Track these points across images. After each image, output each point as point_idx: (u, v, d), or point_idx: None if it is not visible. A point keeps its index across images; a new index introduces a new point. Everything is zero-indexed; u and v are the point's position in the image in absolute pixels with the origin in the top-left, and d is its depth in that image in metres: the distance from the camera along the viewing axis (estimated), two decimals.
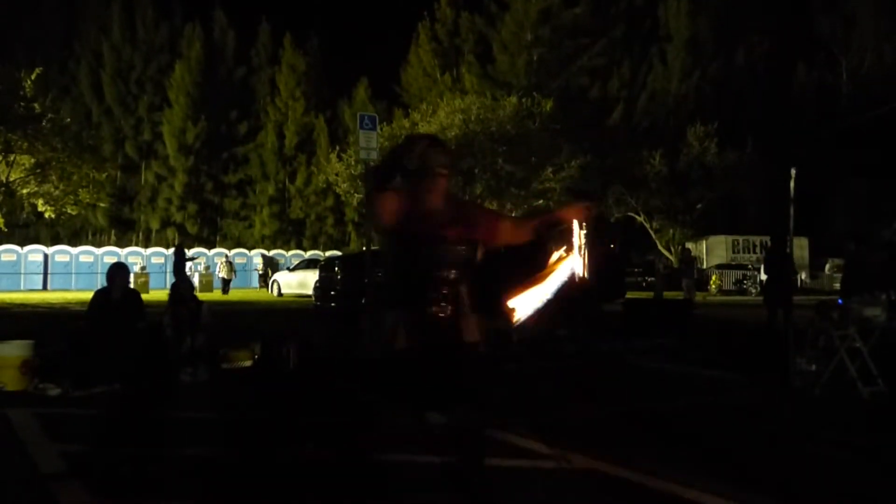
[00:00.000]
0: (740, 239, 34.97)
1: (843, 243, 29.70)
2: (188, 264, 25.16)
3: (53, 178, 24.00)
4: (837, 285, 20.98)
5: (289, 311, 17.64)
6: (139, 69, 42.12)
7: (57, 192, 24.35)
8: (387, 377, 3.27)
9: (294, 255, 36.50)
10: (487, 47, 39.72)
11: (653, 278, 26.42)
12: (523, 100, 29.64)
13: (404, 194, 3.05)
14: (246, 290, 29.81)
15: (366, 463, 3.53)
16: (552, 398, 6.44)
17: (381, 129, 26.85)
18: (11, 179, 23.33)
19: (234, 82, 43.66)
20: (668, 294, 22.31)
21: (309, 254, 36.10)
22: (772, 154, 30.96)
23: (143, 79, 42.18)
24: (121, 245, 35.76)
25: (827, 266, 31.95)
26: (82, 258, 31.83)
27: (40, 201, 24.40)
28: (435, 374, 3.15)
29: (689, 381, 7.37)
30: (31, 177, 23.41)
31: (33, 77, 23.19)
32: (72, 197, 24.84)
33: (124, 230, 41.77)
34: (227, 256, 30.39)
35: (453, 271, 3.14)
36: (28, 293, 27.09)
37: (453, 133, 27.72)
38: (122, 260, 26.61)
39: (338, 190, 31.48)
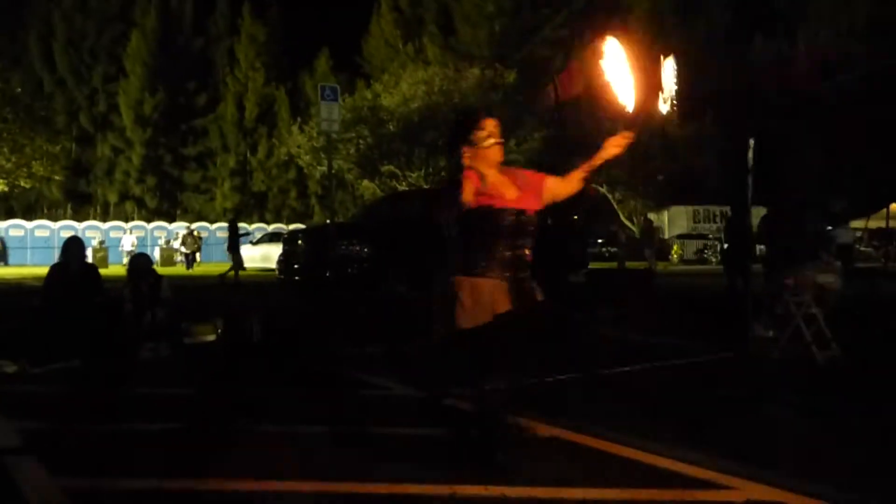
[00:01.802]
0: (701, 209, 35.51)
1: (799, 213, 30.37)
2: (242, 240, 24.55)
3: (5, 150, 23.29)
4: None
5: (252, 284, 17.48)
6: (92, 38, 40.91)
7: (9, 165, 23.66)
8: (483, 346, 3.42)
9: (257, 228, 36.12)
10: (449, 18, 39.35)
11: (615, 249, 26.74)
12: (486, 71, 29.51)
13: (474, 171, 3.31)
14: (208, 265, 29.43)
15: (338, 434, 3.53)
16: (514, 367, 6.49)
17: (343, 101, 26.52)
18: None
19: (193, 52, 42.69)
20: (630, 264, 22.60)
21: (272, 227, 35.74)
22: (731, 124, 31.33)
23: (96, 48, 40.98)
24: (78, 219, 34.98)
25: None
26: (38, 232, 31.09)
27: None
28: (524, 338, 3.50)
29: (650, 349, 7.49)
30: None
31: None
32: (25, 170, 24.17)
33: (81, 204, 40.85)
34: (190, 229, 29.82)
35: (526, 238, 3.46)
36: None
37: (416, 105, 27.54)
38: (80, 234, 26.03)
39: (300, 162, 31.13)
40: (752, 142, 7.56)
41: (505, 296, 3.42)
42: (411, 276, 10.72)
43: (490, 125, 3.45)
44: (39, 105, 27.63)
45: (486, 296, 3.38)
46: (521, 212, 3.45)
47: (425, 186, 26.25)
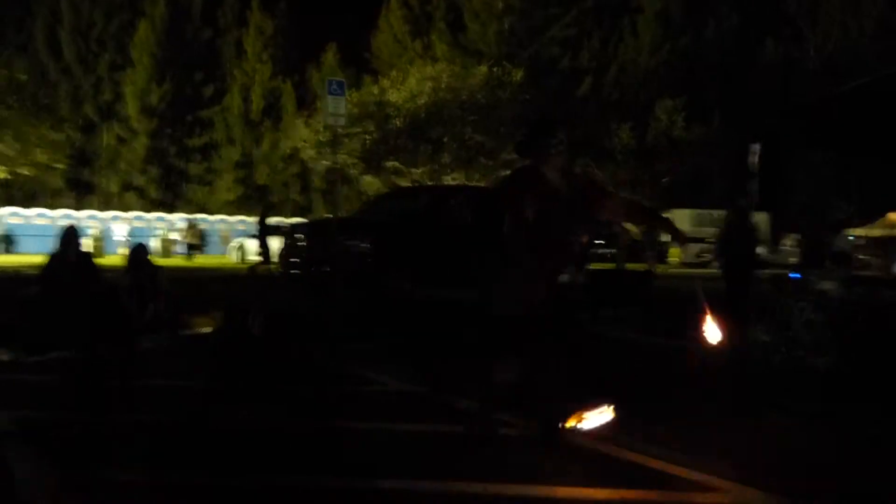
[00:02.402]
0: (705, 213, 35.38)
1: (801, 220, 30.25)
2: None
3: (8, 137, 23.27)
4: (795, 259, 21.44)
5: (251, 277, 17.44)
6: (100, 27, 40.85)
7: (12, 153, 23.64)
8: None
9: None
10: (458, 15, 39.28)
11: (615, 250, 26.67)
12: (494, 69, 29.47)
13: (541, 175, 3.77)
14: (208, 257, 29.43)
15: (331, 429, 3.53)
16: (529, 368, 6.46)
17: (350, 96, 26.50)
18: None
19: (200, 43, 42.64)
20: (630, 266, 22.53)
21: (274, 220, 35.71)
22: (738, 129, 31.27)
23: (103, 37, 40.93)
24: (78, 208, 34.95)
25: (786, 240, 32.56)
26: (37, 221, 31.04)
27: None
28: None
29: (649, 350, 7.46)
30: None
31: None
32: (28, 157, 24.16)
33: (83, 193, 40.81)
34: (191, 221, 29.70)
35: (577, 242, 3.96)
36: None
37: (423, 101, 27.51)
38: (80, 224, 26.04)
39: (304, 156, 31.12)
40: (754, 147, 7.54)
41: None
42: (413, 273, 10.69)
43: (560, 133, 3.83)
44: (44, 93, 27.60)
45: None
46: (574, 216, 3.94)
47: (430, 183, 26.21)
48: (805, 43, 39.46)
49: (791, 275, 7.40)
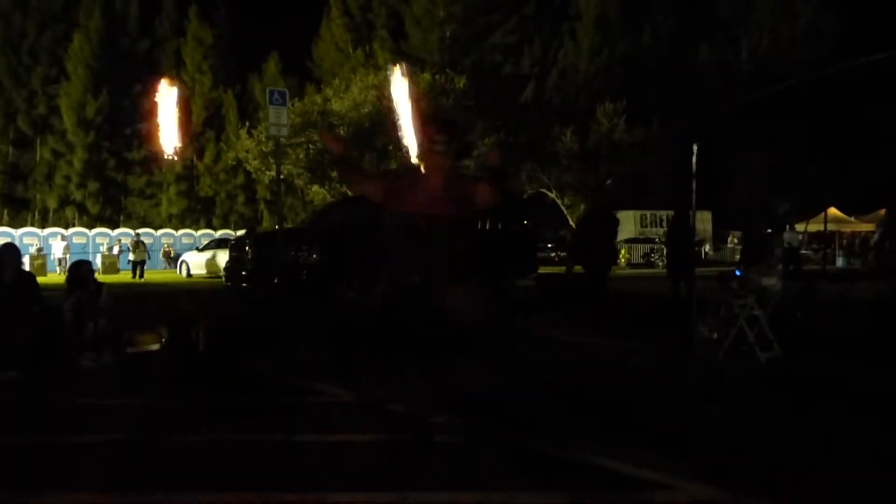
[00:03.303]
0: (648, 214, 36.10)
1: (743, 217, 31.03)
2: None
3: None
4: (738, 257, 22.01)
5: (198, 292, 17.14)
6: (32, 38, 39.64)
7: None
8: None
9: (204, 234, 35.49)
10: (400, 22, 39.33)
11: (564, 253, 26.99)
12: (436, 76, 29.56)
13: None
14: (152, 272, 28.76)
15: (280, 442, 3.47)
16: (465, 372, 6.48)
17: (293, 105, 26.26)
18: None
19: (138, 54, 41.71)
20: (578, 268, 22.83)
21: (219, 233, 35.15)
22: (676, 131, 31.99)
23: (36, 49, 39.72)
24: (14, 225, 33.80)
25: (729, 239, 33.45)
26: None
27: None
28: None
29: (598, 351, 7.57)
30: None
31: None
32: None
33: (18, 209, 39.48)
34: (137, 236, 28.79)
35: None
36: None
37: (366, 110, 27.44)
38: (17, 241, 25.19)
39: (248, 167, 30.70)
40: (695, 147, 7.71)
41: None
42: (361, 282, 10.63)
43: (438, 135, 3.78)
44: None
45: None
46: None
47: None
48: (739, 47, 40.69)
49: (737, 272, 7.59)
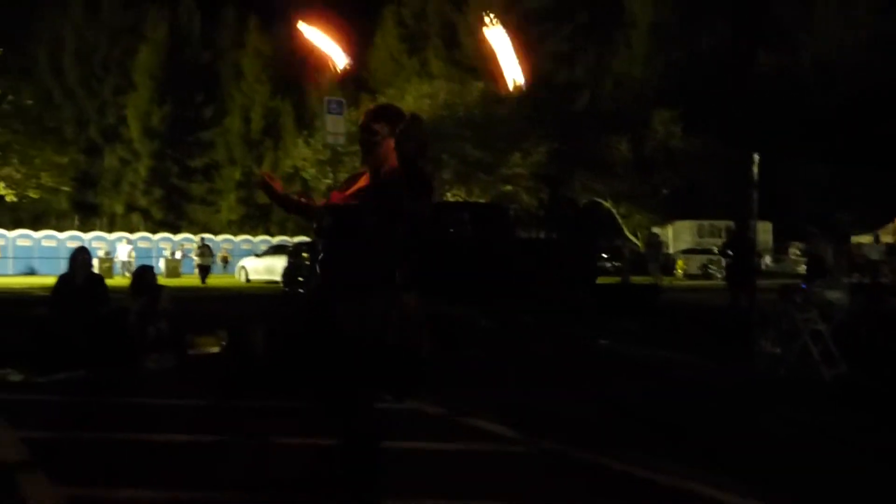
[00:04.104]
0: (706, 223, 35.41)
1: (806, 228, 30.21)
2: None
3: (15, 160, 23.38)
4: (801, 269, 21.42)
5: (258, 296, 17.49)
6: (103, 51, 41.17)
7: (18, 176, 23.75)
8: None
9: (262, 240, 36.17)
10: (454, 32, 39.51)
11: (620, 263, 26.68)
12: (490, 84, 29.59)
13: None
14: (211, 277, 29.44)
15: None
16: (520, 382, 6.49)
17: (349, 114, 26.62)
18: None
19: (200, 65, 42.88)
20: (634, 279, 22.55)
21: (277, 239, 35.79)
22: (735, 139, 31.35)
23: (107, 61, 41.23)
24: (84, 230, 35.06)
25: (790, 250, 32.57)
26: (45, 243, 31.18)
27: (1, 185, 23.77)
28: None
29: (655, 364, 7.47)
30: None
31: None
32: (34, 180, 24.28)
33: (88, 215, 40.91)
34: (202, 241, 29.28)
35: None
36: None
37: None
38: (86, 245, 26.11)
39: (305, 175, 31.21)
40: (755, 156, 7.58)
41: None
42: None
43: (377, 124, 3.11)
44: (49, 116, 27.76)
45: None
46: None
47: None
48: (799, 52, 39.65)
49: (803, 285, 7.41)
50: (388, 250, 2.85)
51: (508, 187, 28.90)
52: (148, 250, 32.33)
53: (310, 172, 29.96)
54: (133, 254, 28.83)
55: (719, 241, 33.17)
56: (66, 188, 28.32)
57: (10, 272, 29.37)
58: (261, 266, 24.91)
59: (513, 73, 3.43)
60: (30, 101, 25.26)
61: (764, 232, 30.84)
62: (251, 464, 4.02)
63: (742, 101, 36.15)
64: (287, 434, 4.60)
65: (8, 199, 24.75)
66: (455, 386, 6.08)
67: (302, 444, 4.37)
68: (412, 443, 4.36)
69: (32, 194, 25.35)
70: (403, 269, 2.90)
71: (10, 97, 23.10)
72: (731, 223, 17.87)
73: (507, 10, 37.66)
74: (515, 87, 3.51)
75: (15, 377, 6.23)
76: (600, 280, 17.19)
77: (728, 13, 39.85)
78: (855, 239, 25.21)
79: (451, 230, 11.49)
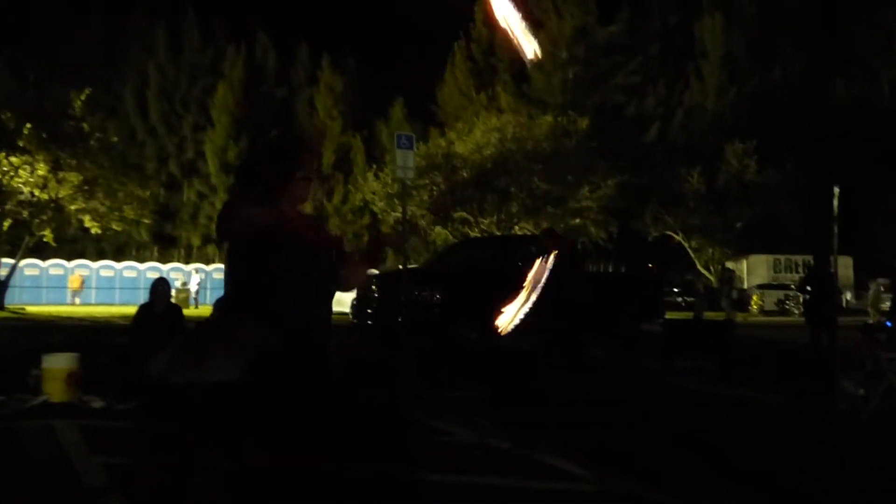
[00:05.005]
0: (782, 258, 34.36)
1: (890, 262, 28.95)
2: None
3: (100, 194, 24.52)
4: (884, 306, 20.47)
5: None
6: (184, 89, 43.12)
7: (103, 209, 24.87)
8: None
9: None
10: (522, 66, 39.76)
11: (692, 298, 26.06)
12: (559, 118, 29.60)
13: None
14: None
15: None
16: (589, 419, 6.38)
17: (418, 148, 27.00)
18: (60, 196, 23.92)
19: (275, 102, 44.34)
20: (708, 314, 21.98)
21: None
22: (813, 171, 30.42)
23: (187, 99, 43.15)
24: (163, 261, 36.42)
25: (872, 286, 31.20)
26: (126, 273, 32.56)
27: (87, 217, 24.97)
28: None
29: (730, 403, 7.24)
30: (79, 193, 23.98)
31: (83, 98, 23.79)
32: (117, 213, 25.38)
33: (166, 246, 42.52)
34: None
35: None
36: (72, 306, 27.71)
37: (489, 152, 27.78)
38: (165, 275, 27.10)
39: (374, 208, 31.71)
40: (835, 188, 7.34)
41: None
42: (482, 323, 10.70)
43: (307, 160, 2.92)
44: (132, 153, 29.10)
45: None
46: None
47: (497, 233, 26.29)
48: (878, 82, 38.36)
49: (888, 323, 7.10)
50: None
51: (577, 220, 28.68)
52: (222, 281, 33.29)
53: (378, 206, 30.42)
54: (200, 283, 29.82)
55: (796, 276, 32.10)
56: (146, 220, 29.49)
57: (93, 301, 30.68)
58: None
59: (529, 44, 3.33)
60: (115, 138, 26.54)
61: (844, 267, 29.71)
62: (306, 493, 4.06)
63: (819, 132, 35.15)
64: (342, 464, 4.62)
65: (93, 231, 25.96)
66: (521, 420, 6.03)
67: (357, 474, 4.38)
68: (471, 477, 4.33)
69: (115, 226, 26.50)
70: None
71: (97, 134, 24.29)
72: (808, 258, 17.28)
73: (576, 44, 37.91)
74: (535, 57, 3.41)
75: (97, 403, 6.46)
76: (671, 315, 16.82)
77: (803, 42, 38.96)
78: None
79: (519, 264, 11.47)
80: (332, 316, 2.81)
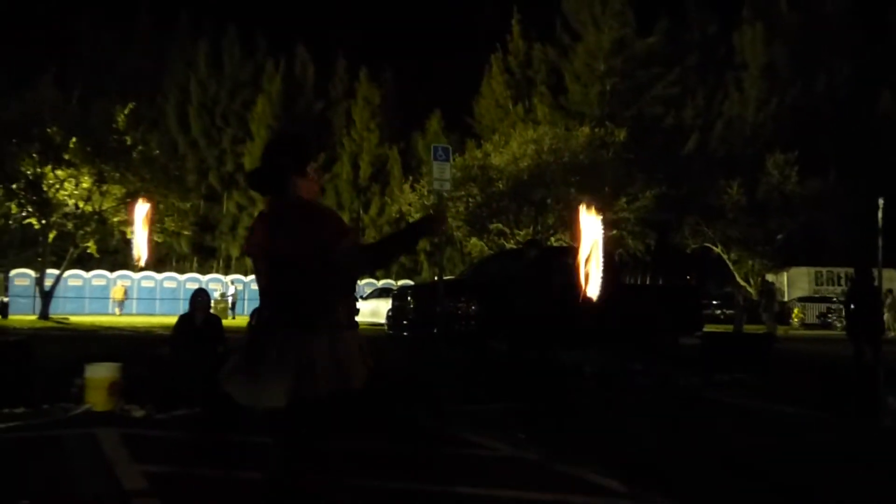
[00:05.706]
0: (823, 270, 33.66)
1: None
2: None
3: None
4: None
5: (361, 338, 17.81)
6: (224, 103, 43.95)
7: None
8: None
9: (367, 283, 37.01)
10: (559, 78, 39.74)
11: (731, 311, 25.65)
12: (596, 129, 29.43)
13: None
14: None
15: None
16: (629, 434, 6.31)
17: (454, 160, 27.07)
18: (104, 208, 24.48)
19: (313, 115, 44.92)
20: (747, 327, 21.60)
21: (381, 282, 36.53)
22: (856, 182, 29.79)
23: (227, 112, 43.96)
24: (202, 272, 37.00)
25: None
26: (166, 284, 33.16)
27: (129, 229, 25.51)
28: None
29: (771, 419, 7.10)
30: (122, 206, 24.50)
31: (126, 112, 24.34)
32: (158, 225, 25.86)
33: (206, 257, 43.25)
34: None
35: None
36: (114, 316, 28.29)
37: (525, 163, 27.73)
38: (204, 286, 27.52)
39: (410, 220, 31.80)
40: (880, 201, 7.19)
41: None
42: (517, 335, 10.66)
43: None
44: (174, 165, 29.63)
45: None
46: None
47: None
48: None
49: None
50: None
51: (614, 232, 28.45)
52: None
53: (415, 217, 30.54)
54: (237, 296, 30.25)
55: (838, 289, 31.39)
56: (186, 232, 30.02)
57: (134, 312, 31.28)
58: (366, 309, 25.43)
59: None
60: (157, 151, 27.07)
61: (889, 280, 28.98)
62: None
63: (864, 142, 34.44)
64: (381, 477, 4.63)
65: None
66: (557, 433, 5.99)
67: (399, 489, 4.38)
68: (504, 490, 4.31)
69: (157, 238, 26.99)
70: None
71: (139, 147, 24.79)
72: (850, 270, 16.88)
73: (614, 56, 37.74)
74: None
75: (137, 413, 6.58)
76: (710, 328, 16.55)
77: (846, 52, 38.28)
78: None
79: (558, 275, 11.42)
80: (367, 326, 2.87)
